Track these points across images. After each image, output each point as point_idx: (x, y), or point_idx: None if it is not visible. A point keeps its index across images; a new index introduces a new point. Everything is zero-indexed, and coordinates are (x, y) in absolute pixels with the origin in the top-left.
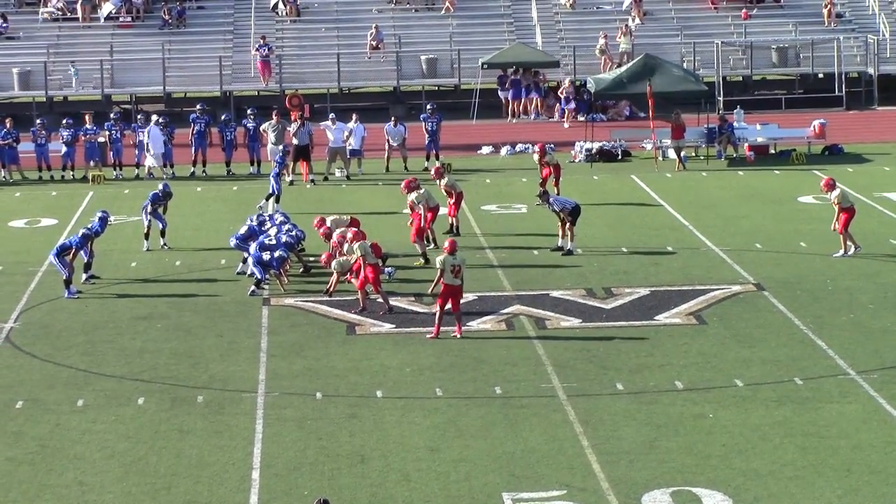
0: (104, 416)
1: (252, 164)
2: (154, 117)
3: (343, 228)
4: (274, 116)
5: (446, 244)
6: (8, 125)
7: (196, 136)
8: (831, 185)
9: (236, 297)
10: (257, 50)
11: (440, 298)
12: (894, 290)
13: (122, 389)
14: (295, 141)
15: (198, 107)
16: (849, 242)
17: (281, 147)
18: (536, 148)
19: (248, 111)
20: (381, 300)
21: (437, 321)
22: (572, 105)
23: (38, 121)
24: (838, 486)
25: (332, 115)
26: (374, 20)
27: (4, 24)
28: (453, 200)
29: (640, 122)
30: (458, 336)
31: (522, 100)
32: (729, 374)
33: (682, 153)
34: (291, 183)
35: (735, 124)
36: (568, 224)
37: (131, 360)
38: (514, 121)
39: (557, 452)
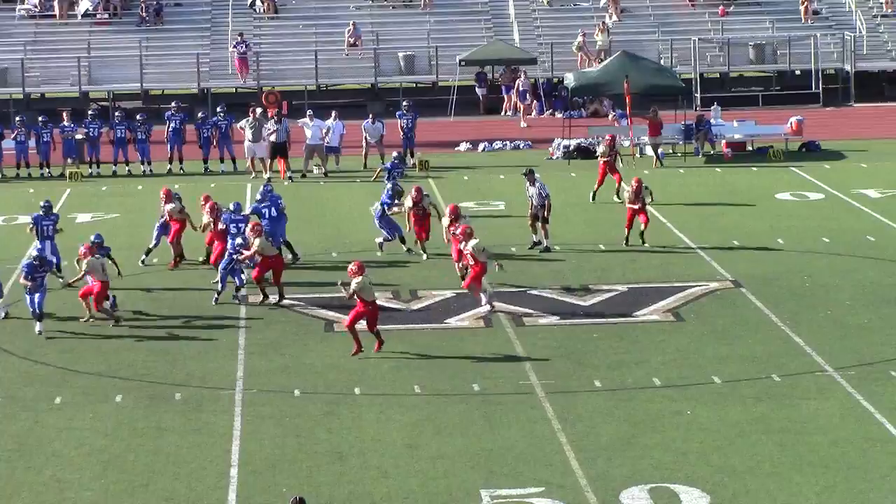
0: (82, 413)
1: (222, 161)
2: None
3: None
4: (251, 113)
5: (354, 265)
6: None
7: (172, 134)
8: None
9: (213, 294)
10: (235, 47)
11: (351, 317)
12: (871, 287)
13: (100, 387)
14: (272, 138)
15: (173, 104)
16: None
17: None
18: (607, 137)
19: (218, 109)
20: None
21: (354, 339)
22: (528, 101)
23: (17, 118)
24: (816, 482)
25: (309, 112)
26: (352, 17)
27: None
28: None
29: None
30: (377, 351)
31: (513, 97)
32: (706, 370)
33: (660, 150)
34: (269, 180)
35: (712, 121)
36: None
37: (109, 357)
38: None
39: (535, 449)
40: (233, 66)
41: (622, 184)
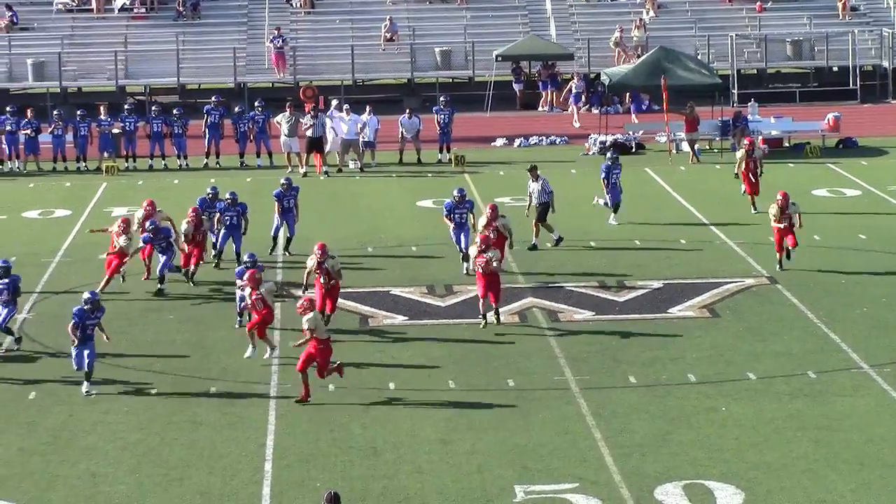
0: (117, 407)
1: (258, 156)
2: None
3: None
4: (287, 108)
5: (304, 301)
6: (28, 115)
7: (210, 128)
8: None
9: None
10: (272, 41)
11: (303, 359)
12: None
13: (135, 380)
14: (308, 133)
15: (213, 98)
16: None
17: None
18: (745, 141)
19: (256, 103)
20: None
21: (304, 385)
22: (581, 101)
23: (55, 112)
24: (851, 479)
25: (346, 107)
26: (389, 12)
27: (11, 14)
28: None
29: (654, 114)
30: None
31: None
32: (742, 367)
33: (696, 146)
34: (305, 175)
35: (749, 117)
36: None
37: (144, 351)
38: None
39: (570, 445)
40: (269, 61)
41: (755, 196)
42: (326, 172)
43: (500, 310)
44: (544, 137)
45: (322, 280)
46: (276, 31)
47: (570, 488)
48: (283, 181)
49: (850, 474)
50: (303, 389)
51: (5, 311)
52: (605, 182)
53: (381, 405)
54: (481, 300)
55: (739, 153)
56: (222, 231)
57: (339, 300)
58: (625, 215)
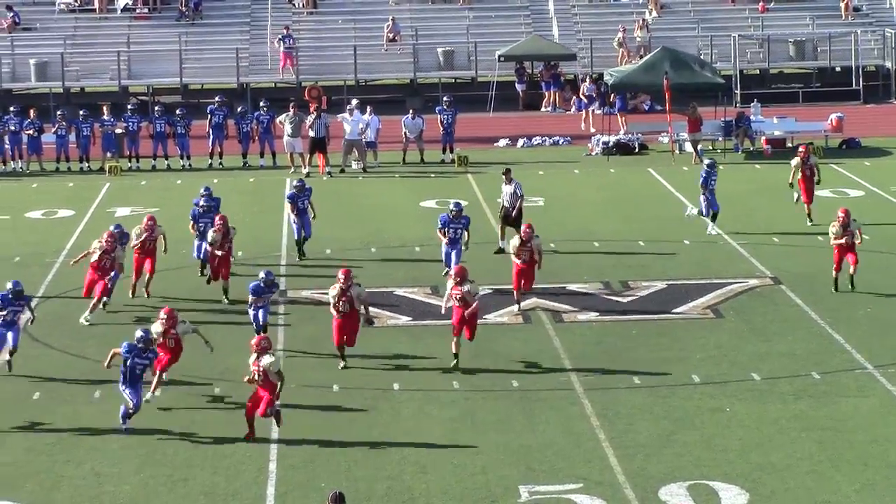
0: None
1: (262, 156)
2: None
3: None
4: (291, 108)
5: (257, 340)
6: (31, 115)
7: (213, 128)
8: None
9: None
10: (281, 40)
11: (265, 404)
12: None
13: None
14: (311, 133)
15: (216, 98)
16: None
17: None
18: (801, 149)
19: (262, 103)
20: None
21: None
22: (595, 105)
23: (58, 112)
24: (855, 480)
25: (349, 107)
26: (391, 12)
27: (13, 14)
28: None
29: (657, 115)
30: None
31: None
32: (746, 367)
33: (699, 146)
34: (308, 175)
35: (752, 118)
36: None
37: None
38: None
39: (574, 446)
40: (272, 61)
41: (811, 206)
42: (329, 173)
43: (503, 311)
44: (547, 138)
45: (341, 308)
46: (285, 30)
47: (574, 489)
48: (296, 183)
49: (855, 475)
50: (249, 430)
51: (12, 333)
52: (704, 188)
53: (386, 405)
54: (454, 339)
55: (795, 161)
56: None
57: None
58: (629, 216)
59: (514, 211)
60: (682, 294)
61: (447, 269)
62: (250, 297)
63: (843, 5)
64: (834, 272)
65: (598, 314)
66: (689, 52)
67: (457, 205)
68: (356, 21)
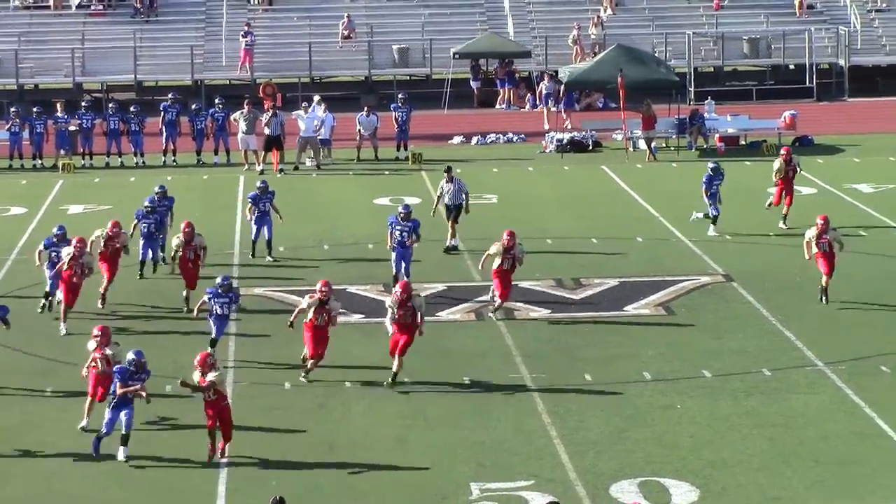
0: (72, 404)
1: (216, 153)
2: None
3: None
4: (245, 105)
5: (200, 356)
6: None
7: (166, 125)
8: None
9: (204, 285)
10: (243, 37)
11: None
12: (862, 282)
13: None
14: (266, 131)
15: (169, 95)
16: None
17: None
18: (783, 151)
19: (216, 101)
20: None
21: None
22: (551, 103)
23: (11, 109)
24: (806, 476)
25: (304, 104)
26: (347, 9)
27: None
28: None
29: (611, 112)
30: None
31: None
32: (697, 364)
33: (653, 144)
34: (262, 172)
35: (706, 115)
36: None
37: None
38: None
39: (525, 443)
40: (228, 58)
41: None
42: (283, 170)
43: (456, 308)
44: (501, 135)
45: (318, 321)
46: (246, 27)
47: (525, 486)
48: (258, 184)
49: (805, 471)
50: (209, 448)
51: None
52: (707, 192)
53: (337, 403)
54: (396, 358)
55: (777, 163)
56: (141, 241)
57: (295, 298)
58: (582, 213)
59: (460, 208)
60: (634, 291)
61: (395, 276)
62: (206, 301)
63: (796, 3)
64: (824, 273)
65: (550, 311)
66: (643, 49)
67: (406, 207)
68: (311, 18)
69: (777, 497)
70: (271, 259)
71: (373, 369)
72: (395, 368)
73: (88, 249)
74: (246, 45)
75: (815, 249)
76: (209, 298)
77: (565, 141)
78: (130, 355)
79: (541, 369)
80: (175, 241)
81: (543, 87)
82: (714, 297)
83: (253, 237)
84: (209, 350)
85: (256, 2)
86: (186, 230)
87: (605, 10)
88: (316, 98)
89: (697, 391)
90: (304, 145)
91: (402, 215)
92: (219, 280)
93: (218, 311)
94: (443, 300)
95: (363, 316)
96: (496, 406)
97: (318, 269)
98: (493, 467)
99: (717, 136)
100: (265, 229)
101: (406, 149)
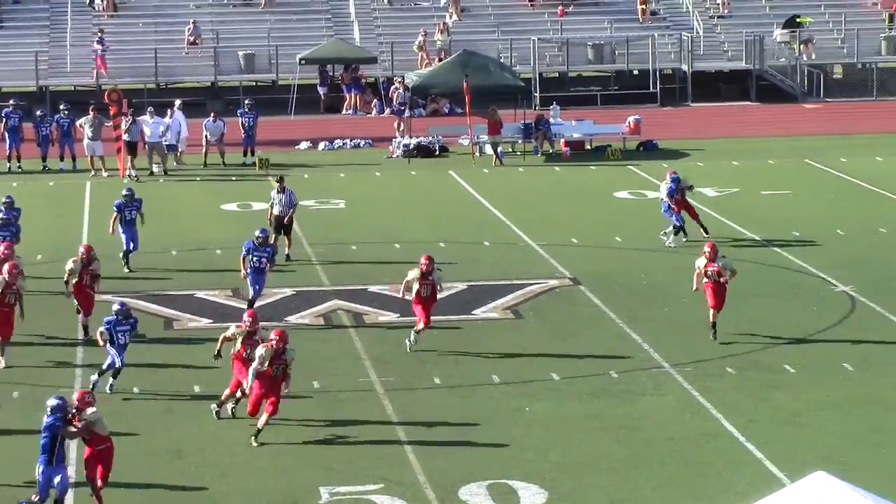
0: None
1: (62, 159)
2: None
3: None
4: (91, 112)
5: (77, 394)
6: None
7: (9, 132)
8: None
9: (52, 291)
10: (98, 44)
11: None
12: None
13: None
14: (126, 137)
15: (11, 101)
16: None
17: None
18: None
19: (61, 106)
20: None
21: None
22: (406, 111)
23: None
24: (652, 477)
25: (150, 109)
26: (192, 15)
27: None
28: None
29: (457, 117)
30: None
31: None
32: (545, 367)
33: (499, 149)
34: (107, 176)
35: (551, 120)
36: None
37: None
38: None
39: (375, 446)
40: (72, 64)
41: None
42: (133, 175)
43: (305, 312)
44: (348, 140)
45: (246, 353)
46: (99, 33)
47: (375, 489)
48: (124, 192)
49: (652, 473)
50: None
51: None
52: (670, 199)
53: (186, 408)
54: (265, 416)
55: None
56: None
57: (143, 303)
58: (429, 218)
59: (286, 219)
60: (482, 295)
61: (252, 298)
62: (104, 331)
63: (640, 9)
64: (710, 306)
65: (398, 315)
66: (489, 55)
67: (263, 231)
68: (157, 24)
69: (624, 499)
70: (126, 270)
71: (222, 373)
72: (259, 425)
73: None
74: (101, 51)
75: (704, 279)
76: (108, 328)
77: (412, 146)
78: (116, 306)
79: (390, 373)
80: (70, 264)
81: (399, 95)
82: (561, 301)
83: (124, 246)
84: (90, 388)
85: (102, 8)
86: (84, 254)
87: (450, 17)
88: (177, 103)
89: (545, 394)
90: (151, 151)
91: (259, 240)
92: (116, 307)
93: (120, 341)
94: (291, 305)
95: (211, 321)
96: (346, 410)
97: (165, 273)
98: (343, 471)
99: (562, 140)
100: (130, 238)
101: (253, 154)
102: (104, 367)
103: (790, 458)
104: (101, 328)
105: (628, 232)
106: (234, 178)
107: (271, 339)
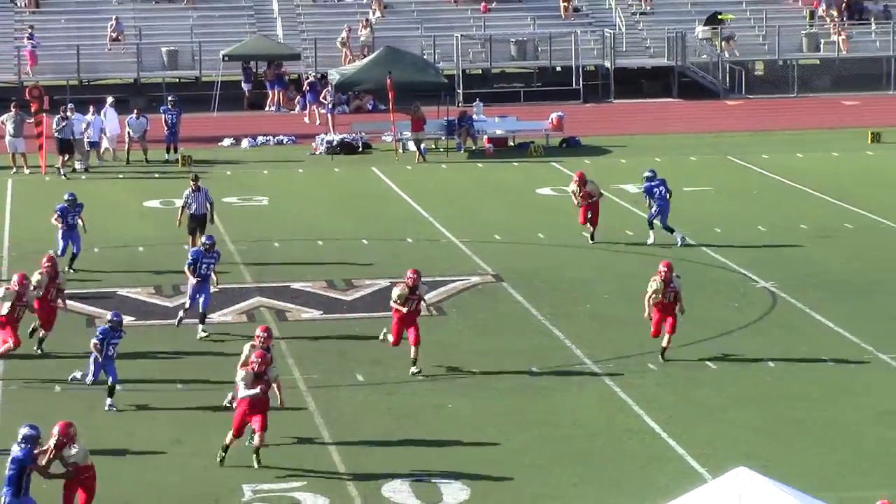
0: None
1: None
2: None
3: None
4: (12, 108)
5: (62, 425)
6: None
7: None
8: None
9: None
10: (28, 39)
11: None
12: (629, 280)
13: None
14: (58, 135)
15: None
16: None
17: None
18: (575, 176)
19: None
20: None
21: None
22: (329, 106)
23: None
24: (573, 473)
25: (70, 106)
26: (114, 12)
27: None
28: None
29: (380, 114)
30: None
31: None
32: (468, 364)
33: (422, 145)
34: (27, 173)
35: (474, 117)
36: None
37: None
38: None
39: (298, 444)
40: None
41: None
42: (62, 173)
43: (228, 310)
44: (272, 137)
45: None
46: (30, 29)
47: (298, 486)
48: (67, 196)
49: (573, 468)
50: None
51: None
52: (650, 198)
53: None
54: (258, 436)
55: (571, 186)
56: None
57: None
58: (352, 214)
59: (206, 218)
60: None
61: (185, 313)
62: (95, 343)
63: (563, 6)
64: (652, 335)
65: (321, 312)
66: (412, 51)
67: (209, 238)
68: (79, 20)
69: (545, 494)
70: (71, 271)
71: (144, 370)
72: (256, 443)
73: None
74: (31, 46)
75: (655, 299)
76: (100, 340)
77: (335, 142)
78: (109, 316)
79: (313, 370)
80: (36, 277)
81: (327, 93)
82: (484, 297)
83: (60, 252)
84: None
85: (23, 4)
86: (48, 266)
87: (373, 13)
88: (109, 100)
89: (468, 390)
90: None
91: (206, 247)
92: (110, 318)
93: (109, 352)
94: (214, 302)
95: (134, 319)
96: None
97: (88, 272)
98: (265, 469)
99: (485, 137)
100: (73, 243)
101: (176, 151)
102: (88, 381)
103: (712, 454)
104: (94, 339)
105: (551, 229)
106: (157, 176)
107: (252, 362)
